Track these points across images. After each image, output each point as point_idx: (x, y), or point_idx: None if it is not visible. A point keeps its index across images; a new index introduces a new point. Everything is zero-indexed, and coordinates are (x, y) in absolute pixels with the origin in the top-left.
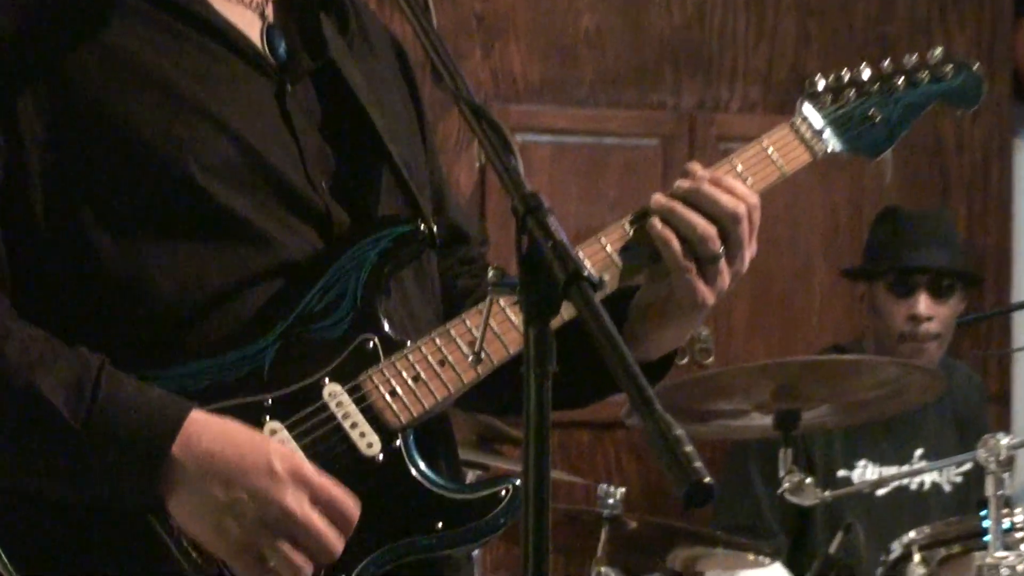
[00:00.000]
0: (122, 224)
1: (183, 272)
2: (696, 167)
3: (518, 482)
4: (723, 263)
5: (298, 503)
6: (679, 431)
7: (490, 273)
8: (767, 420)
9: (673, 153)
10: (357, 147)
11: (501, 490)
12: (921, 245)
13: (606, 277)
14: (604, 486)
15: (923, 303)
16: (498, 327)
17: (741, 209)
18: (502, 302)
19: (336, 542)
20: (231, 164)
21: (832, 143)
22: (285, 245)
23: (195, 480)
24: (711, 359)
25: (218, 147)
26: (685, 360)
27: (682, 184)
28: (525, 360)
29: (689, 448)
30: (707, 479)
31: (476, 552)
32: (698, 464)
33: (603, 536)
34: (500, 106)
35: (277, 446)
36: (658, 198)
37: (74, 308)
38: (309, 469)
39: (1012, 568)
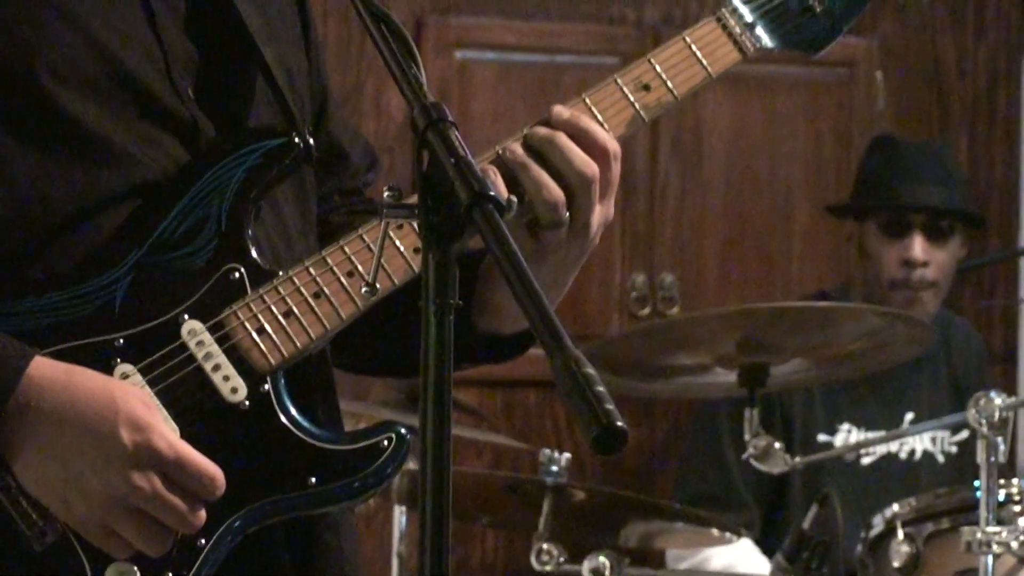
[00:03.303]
0: None
1: (24, 193)
2: (559, 111)
3: (403, 430)
4: (564, 230)
5: (146, 479)
6: (590, 369)
7: (385, 193)
8: (733, 376)
9: None
10: (227, 48)
11: (383, 439)
12: (918, 180)
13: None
14: (547, 451)
15: (918, 246)
16: (400, 241)
17: (591, 170)
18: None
19: (193, 516)
20: (83, 67)
21: (765, 38)
22: (143, 161)
23: (35, 448)
24: (676, 308)
25: (69, 47)
26: (647, 310)
27: (538, 131)
28: (424, 290)
29: (601, 388)
30: (619, 423)
31: (403, 522)
32: (610, 406)
33: (545, 507)
34: (438, 19)
35: (127, 408)
36: (514, 148)
37: None
38: (161, 438)
39: (1005, 544)
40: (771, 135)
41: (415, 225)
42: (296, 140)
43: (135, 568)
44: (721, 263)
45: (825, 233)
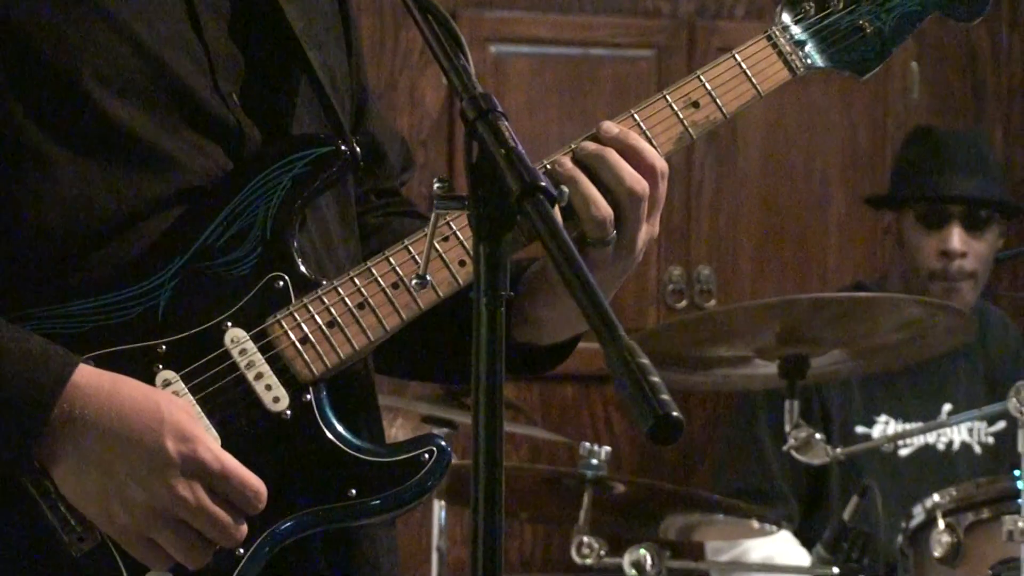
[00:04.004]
0: (1, 140)
1: (69, 196)
2: (609, 127)
3: (443, 443)
4: (610, 248)
5: (191, 490)
6: (645, 359)
7: (435, 185)
8: (772, 368)
9: (670, 66)
10: (271, 52)
11: (424, 452)
12: (955, 171)
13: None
14: (587, 444)
15: (957, 237)
16: (445, 254)
17: (641, 187)
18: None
19: (235, 529)
20: (129, 73)
21: (815, 57)
22: (188, 167)
23: (78, 457)
24: (713, 301)
25: (114, 53)
26: (684, 303)
27: (587, 146)
28: (475, 283)
29: (656, 378)
30: (675, 412)
31: (443, 517)
32: (666, 396)
33: (585, 500)
34: (472, 12)
35: (173, 419)
36: (562, 162)
37: None
38: (206, 450)
39: None
40: (806, 127)
41: (460, 236)
42: (343, 148)
43: None
44: (757, 255)
45: (861, 225)
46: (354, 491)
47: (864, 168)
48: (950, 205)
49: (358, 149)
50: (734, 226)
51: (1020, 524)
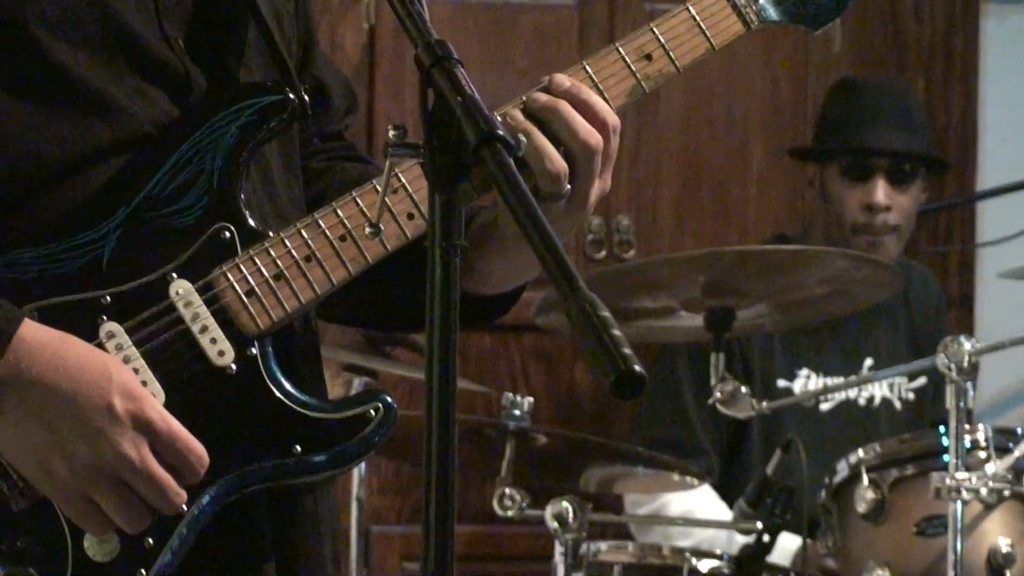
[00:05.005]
0: None
1: (14, 143)
2: (561, 80)
3: (389, 399)
4: (563, 202)
5: (136, 449)
6: (606, 312)
7: (390, 132)
8: (697, 320)
9: (591, 15)
10: None
11: (370, 408)
12: (880, 123)
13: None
14: (509, 395)
15: (881, 190)
16: (394, 207)
17: (595, 141)
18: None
19: (177, 494)
20: (74, 17)
21: (769, 11)
22: (133, 114)
23: (21, 411)
24: (632, 252)
25: None
26: (603, 254)
27: (539, 97)
28: (429, 232)
29: (617, 332)
30: (638, 367)
31: (362, 467)
32: (627, 350)
33: (508, 452)
34: None
35: (121, 378)
36: (514, 115)
37: None
38: (154, 410)
39: (975, 491)
40: (727, 78)
41: (409, 189)
42: (291, 97)
43: (115, 533)
44: (677, 206)
45: (781, 176)
46: (299, 447)
47: (785, 120)
48: (875, 158)
49: (307, 97)
50: (654, 176)
51: (948, 481)
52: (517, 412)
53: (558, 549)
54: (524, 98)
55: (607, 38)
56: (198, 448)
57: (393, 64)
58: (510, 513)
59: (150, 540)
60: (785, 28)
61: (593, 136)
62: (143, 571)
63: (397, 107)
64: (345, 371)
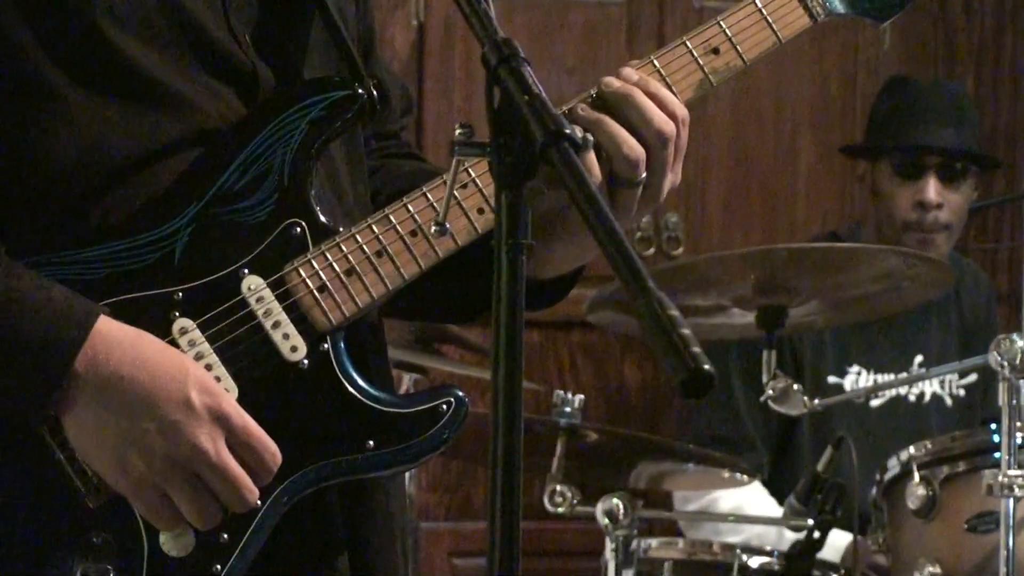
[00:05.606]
0: (14, 81)
1: (84, 136)
2: (629, 73)
3: (460, 394)
4: (639, 190)
5: (213, 443)
6: (675, 311)
7: (456, 131)
8: (749, 317)
9: (640, 12)
10: None
11: (441, 404)
12: (932, 121)
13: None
14: (560, 392)
15: (932, 188)
16: (464, 202)
17: (669, 128)
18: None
19: (250, 492)
20: (143, 13)
21: (835, 3)
22: (202, 109)
23: (98, 404)
24: (680, 249)
25: None
26: (651, 251)
27: (613, 83)
28: (496, 231)
29: (686, 331)
30: (707, 366)
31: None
32: (697, 349)
33: (559, 449)
34: None
35: (197, 373)
36: (584, 107)
37: None
38: (230, 405)
39: None
40: (777, 76)
41: (479, 183)
42: (360, 92)
43: (190, 528)
44: (725, 203)
45: (830, 174)
46: (372, 442)
47: (834, 117)
48: (927, 156)
49: (375, 92)
50: (703, 174)
51: (1000, 478)
52: (568, 409)
53: (608, 545)
54: (592, 91)
55: (656, 35)
56: (272, 446)
57: (442, 61)
58: (561, 509)
59: (225, 535)
60: (832, 25)
61: (667, 124)
62: (219, 566)
63: (446, 104)
64: (394, 368)
